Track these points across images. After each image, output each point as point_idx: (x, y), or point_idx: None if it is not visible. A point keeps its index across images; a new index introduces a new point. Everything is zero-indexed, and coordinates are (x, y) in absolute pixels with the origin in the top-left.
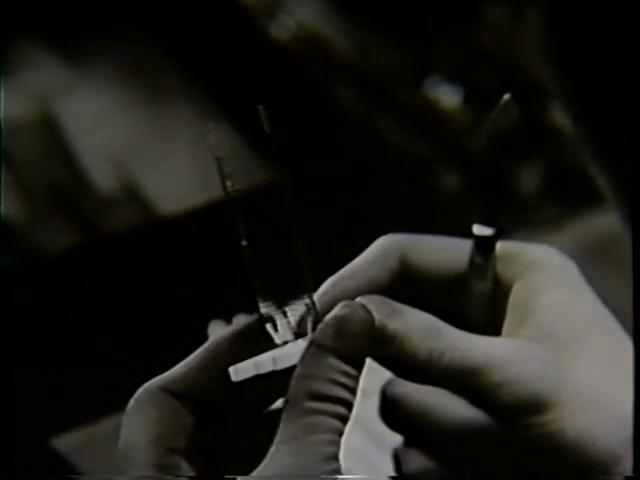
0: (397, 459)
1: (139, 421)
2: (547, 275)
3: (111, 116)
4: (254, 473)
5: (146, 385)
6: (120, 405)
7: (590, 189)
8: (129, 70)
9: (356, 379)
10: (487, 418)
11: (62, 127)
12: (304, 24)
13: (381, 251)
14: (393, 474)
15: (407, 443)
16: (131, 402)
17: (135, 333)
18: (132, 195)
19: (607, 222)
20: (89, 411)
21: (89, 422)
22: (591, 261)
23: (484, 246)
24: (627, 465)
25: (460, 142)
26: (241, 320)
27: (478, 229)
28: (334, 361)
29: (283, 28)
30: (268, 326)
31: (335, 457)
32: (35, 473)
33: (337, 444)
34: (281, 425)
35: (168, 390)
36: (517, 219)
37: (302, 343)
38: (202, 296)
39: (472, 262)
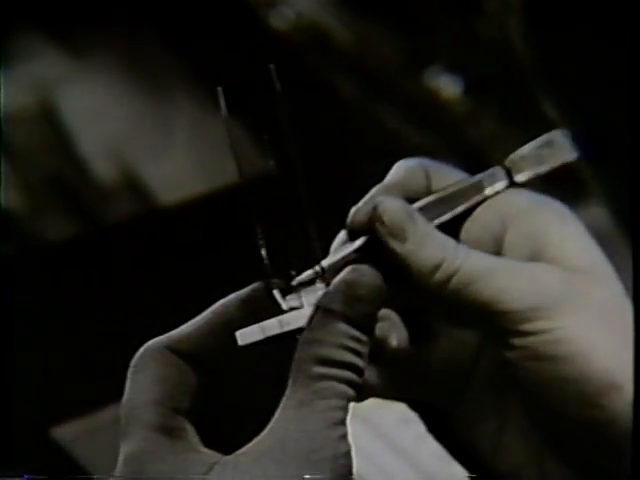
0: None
1: (143, 379)
2: (551, 212)
3: (111, 106)
4: (258, 439)
5: (150, 342)
6: (120, 395)
7: (575, 183)
8: (129, 61)
9: (366, 344)
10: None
11: (62, 117)
12: (304, 14)
13: (408, 168)
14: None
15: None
16: (135, 359)
17: (135, 322)
18: (131, 185)
19: (593, 217)
20: (89, 401)
21: (89, 412)
22: None
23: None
24: (627, 397)
25: (460, 131)
26: (249, 285)
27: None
28: (343, 326)
29: (283, 19)
30: (275, 292)
31: (343, 422)
32: (35, 463)
33: (345, 409)
34: (288, 390)
35: (173, 349)
36: None
37: (309, 309)
38: (203, 285)
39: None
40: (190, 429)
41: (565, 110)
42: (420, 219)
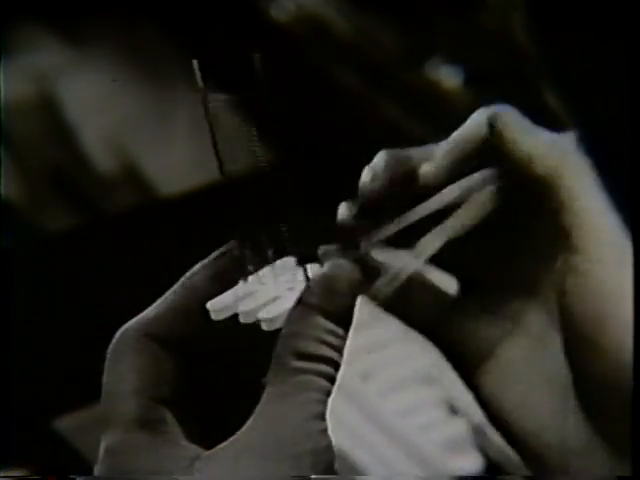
0: None
1: (120, 369)
2: (585, 180)
3: (111, 98)
4: (239, 433)
5: (123, 329)
6: None
7: None
8: (129, 52)
9: (343, 338)
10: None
11: (62, 109)
12: (304, 6)
13: (474, 120)
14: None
15: None
16: (110, 348)
17: (135, 313)
18: (132, 176)
19: None
20: (89, 392)
21: (90, 403)
22: None
23: None
24: (628, 357)
25: (461, 123)
26: (214, 252)
27: None
28: (320, 320)
29: (283, 10)
30: (247, 252)
31: (322, 416)
32: (35, 454)
33: (324, 403)
34: (268, 384)
35: (147, 334)
36: None
37: (289, 301)
38: None
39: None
40: (171, 420)
41: (566, 102)
42: None
